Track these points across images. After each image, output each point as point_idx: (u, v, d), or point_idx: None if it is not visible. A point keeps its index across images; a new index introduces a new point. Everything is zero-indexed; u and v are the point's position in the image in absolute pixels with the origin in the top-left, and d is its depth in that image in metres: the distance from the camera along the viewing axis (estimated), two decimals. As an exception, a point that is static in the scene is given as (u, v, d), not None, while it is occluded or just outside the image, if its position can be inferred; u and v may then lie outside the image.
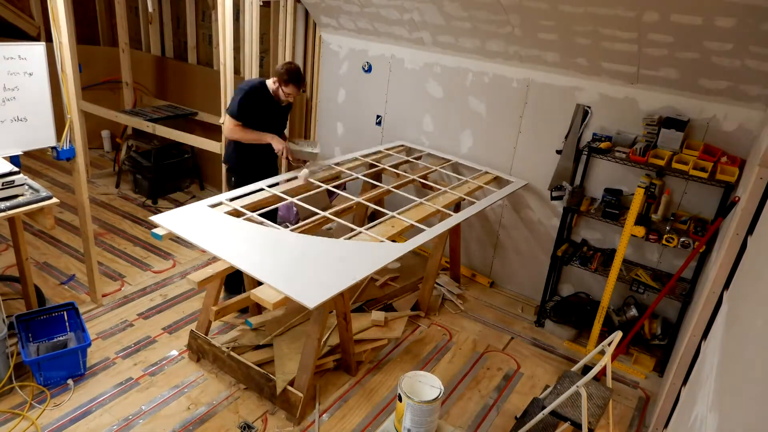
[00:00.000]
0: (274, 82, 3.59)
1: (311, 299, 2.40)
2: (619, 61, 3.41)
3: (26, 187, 3.06)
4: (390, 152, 4.42)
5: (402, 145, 4.62)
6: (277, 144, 3.63)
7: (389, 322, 3.61)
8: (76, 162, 3.38)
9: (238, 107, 3.50)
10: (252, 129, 3.59)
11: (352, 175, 3.86)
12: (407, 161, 4.38)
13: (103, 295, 3.82)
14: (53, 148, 3.28)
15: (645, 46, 3.19)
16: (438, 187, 3.86)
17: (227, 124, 3.61)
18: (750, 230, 2.39)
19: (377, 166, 4.16)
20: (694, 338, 2.65)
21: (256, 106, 3.59)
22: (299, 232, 3.05)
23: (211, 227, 2.89)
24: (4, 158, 3.08)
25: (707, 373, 1.99)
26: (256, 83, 3.61)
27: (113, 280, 4.06)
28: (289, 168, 3.94)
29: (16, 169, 2.98)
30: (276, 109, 3.70)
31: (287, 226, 3.08)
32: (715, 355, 1.97)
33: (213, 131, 5.19)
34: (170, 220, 2.89)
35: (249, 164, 3.71)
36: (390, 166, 4.16)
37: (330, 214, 3.26)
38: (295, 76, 3.53)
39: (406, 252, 2.93)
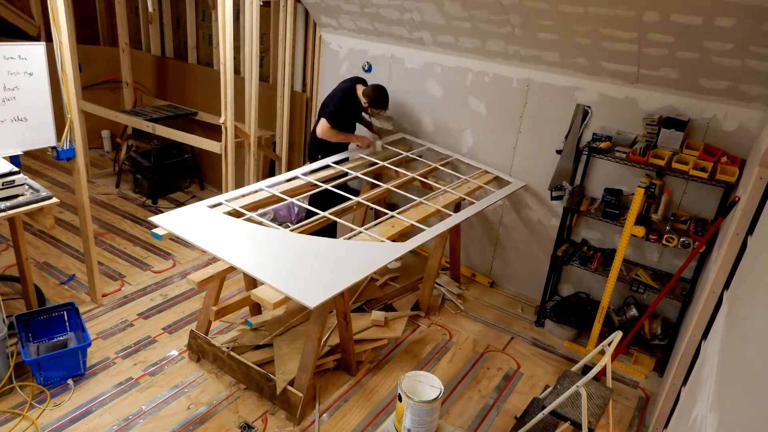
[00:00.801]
0: (363, 95, 4.16)
1: (311, 299, 2.40)
2: (619, 61, 3.41)
3: (26, 187, 3.06)
4: (389, 147, 4.41)
5: (402, 138, 4.62)
6: (362, 141, 4.26)
7: (389, 322, 3.61)
8: (76, 162, 3.38)
9: (334, 116, 4.09)
10: (340, 130, 4.15)
11: (352, 174, 3.86)
12: (407, 161, 4.37)
13: (103, 295, 3.82)
14: (53, 148, 3.28)
15: (645, 46, 3.19)
16: (438, 186, 3.86)
17: (322, 126, 4.10)
18: (750, 230, 2.39)
19: (378, 163, 4.14)
20: (694, 338, 2.65)
21: (347, 112, 4.21)
22: (299, 232, 3.05)
23: (211, 228, 2.89)
24: (4, 158, 3.08)
25: (707, 373, 1.99)
26: (348, 92, 4.18)
27: (113, 280, 4.06)
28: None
29: (16, 169, 2.98)
30: (360, 109, 4.29)
31: (288, 227, 3.08)
32: (715, 355, 1.97)
33: (213, 131, 5.19)
34: (170, 221, 2.89)
35: (330, 145, 4.22)
36: (390, 164, 4.15)
37: (330, 214, 3.26)
38: (379, 101, 4.15)
39: (406, 252, 2.93)
